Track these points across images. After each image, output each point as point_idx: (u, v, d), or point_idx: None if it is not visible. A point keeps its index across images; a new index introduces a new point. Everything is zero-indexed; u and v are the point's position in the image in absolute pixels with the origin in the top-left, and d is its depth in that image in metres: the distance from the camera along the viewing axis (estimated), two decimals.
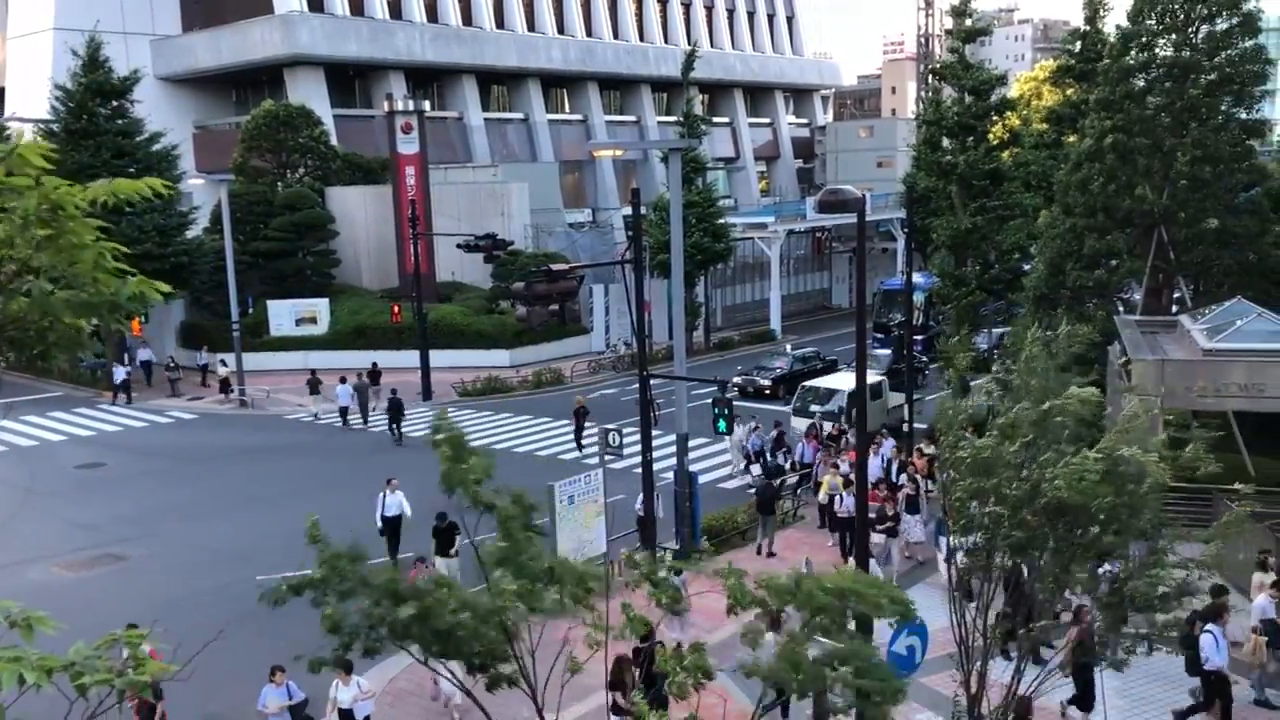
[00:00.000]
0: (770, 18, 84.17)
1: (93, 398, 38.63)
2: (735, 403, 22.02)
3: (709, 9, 78.68)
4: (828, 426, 27.24)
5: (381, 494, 20.83)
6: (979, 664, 11.11)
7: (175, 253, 39.14)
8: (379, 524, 20.39)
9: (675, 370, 22.03)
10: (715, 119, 72.33)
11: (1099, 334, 16.98)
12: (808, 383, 32.00)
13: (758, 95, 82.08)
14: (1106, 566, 11.15)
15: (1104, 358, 22.82)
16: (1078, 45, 41.60)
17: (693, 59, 45.96)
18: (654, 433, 21.11)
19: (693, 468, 21.77)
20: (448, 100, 63.21)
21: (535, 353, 42.82)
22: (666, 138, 61.76)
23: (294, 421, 35.06)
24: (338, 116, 55.93)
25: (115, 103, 40.60)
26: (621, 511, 20.58)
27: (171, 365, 39.48)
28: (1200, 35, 25.52)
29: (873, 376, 28.25)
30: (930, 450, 21.95)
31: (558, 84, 69.61)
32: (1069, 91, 42.41)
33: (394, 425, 31.33)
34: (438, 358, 38.46)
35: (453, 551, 18.65)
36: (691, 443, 22.63)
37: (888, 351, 38.20)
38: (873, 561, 19.19)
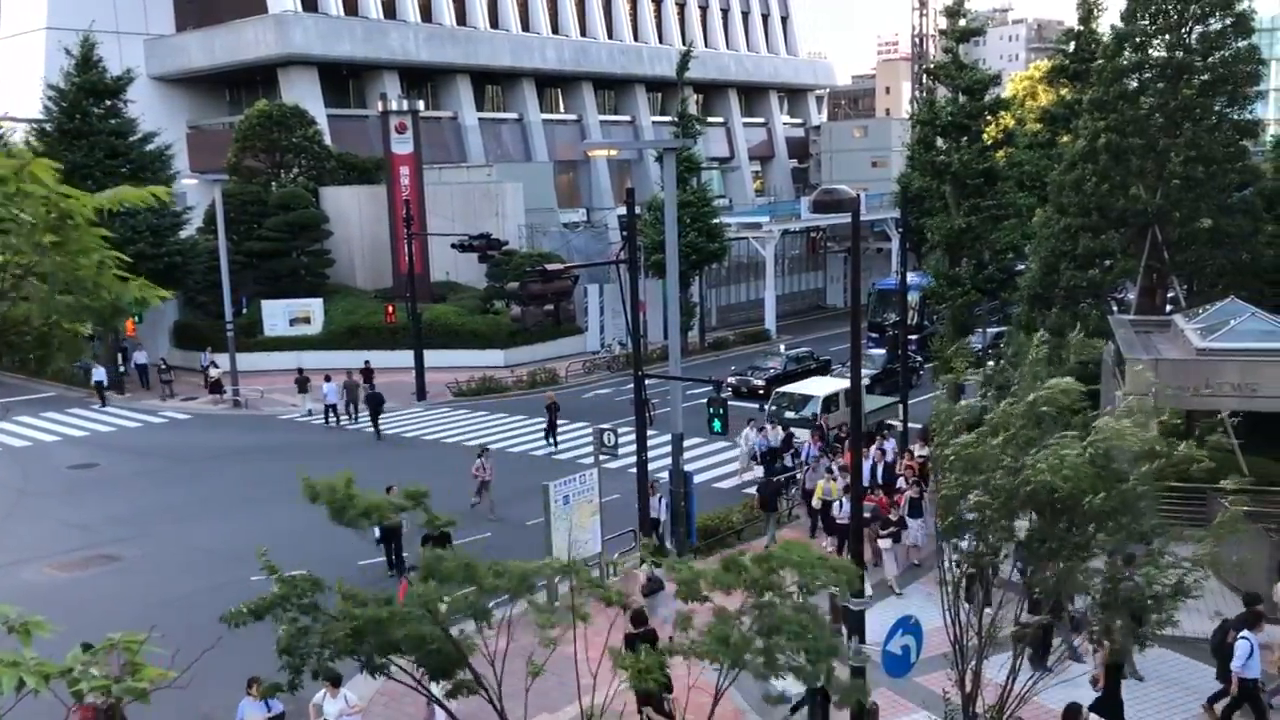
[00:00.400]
0: (765, 18, 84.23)
1: (85, 398, 38.51)
2: (729, 403, 22.00)
3: (703, 9, 78.71)
4: (801, 434, 26.11)
5: None
6: (974, 663, 11.13)
7: (169, 253, 38.99)
8: (376, 534, 19.44)
9: (670, 370, 22.05)
10: (710, 119, 72.39)
11: (1095, 334, 17.01)
12: (781, 389, 31.08)
13: (752, 95, 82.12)
14: (1101, 562, 11.14)
15: (1098, 358, 22.84)
16: (1072, 45, 41.69)
17: (687, 59, 45.99)
18: (649, 432, 21.11)
19: (688, 468, 21.76)
20: (442, 100, 63.16)
21: (530, 353, 42.79)
22: (661, 138, 61.78)
23: (287, 422, 35.01)
24: (332, 116, 55.88)
25: (108, 102, 40.42)
26: (622, 511, 20.54)
27: (163, 367, 39.23)
28: (1194, 36, 25.59)
29: (845, 382, 27.62)
30: (922, 451, 21.95)
31: (552, 84, 69.58)
32: (1063, 91, 42.49)
33: (374, 420, 31.82)
34: (432, 358, 38.48)
35: None
36: (686, 442, 22.60)
37: (882, 351, 38.27)
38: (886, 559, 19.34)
